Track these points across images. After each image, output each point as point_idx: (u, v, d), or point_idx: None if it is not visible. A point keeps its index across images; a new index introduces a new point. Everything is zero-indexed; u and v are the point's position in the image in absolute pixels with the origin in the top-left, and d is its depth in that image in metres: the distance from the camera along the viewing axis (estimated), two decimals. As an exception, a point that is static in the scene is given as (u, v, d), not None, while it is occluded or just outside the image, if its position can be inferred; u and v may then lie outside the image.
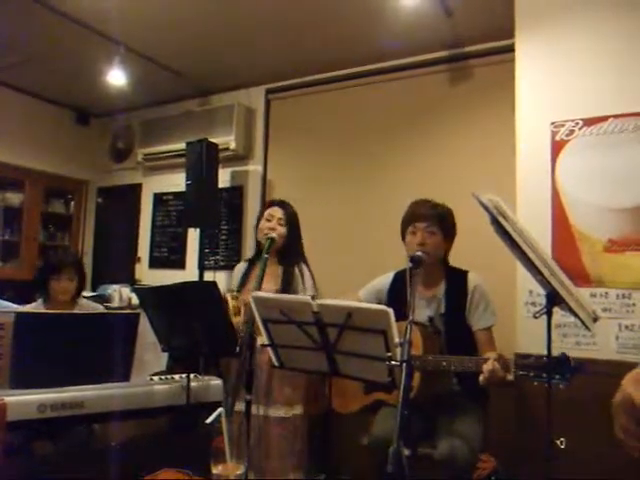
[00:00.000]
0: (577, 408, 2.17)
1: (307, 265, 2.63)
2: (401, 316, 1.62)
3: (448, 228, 2.29)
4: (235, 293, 2.45)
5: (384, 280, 2.44)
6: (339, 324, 1.64)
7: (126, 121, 5.14)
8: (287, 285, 2.51)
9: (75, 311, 2.76)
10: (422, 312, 2.24)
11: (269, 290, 2.44)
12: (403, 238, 2.34)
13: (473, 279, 2.25)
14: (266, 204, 2.76)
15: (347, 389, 2.26)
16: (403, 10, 3.01)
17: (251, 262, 2.70)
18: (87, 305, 2.94)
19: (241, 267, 2.75)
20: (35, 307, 2.75)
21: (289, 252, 2.59)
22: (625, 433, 0.97)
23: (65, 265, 2.74)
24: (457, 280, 2.27)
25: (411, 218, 2.29)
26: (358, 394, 2.26)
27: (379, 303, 2.28)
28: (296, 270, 2.57)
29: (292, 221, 2.61)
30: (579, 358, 1.79)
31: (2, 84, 4.53)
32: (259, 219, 2.65)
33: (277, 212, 2.59)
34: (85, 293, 4.46)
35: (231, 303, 2.34)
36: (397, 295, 2.31)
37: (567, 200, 2.53)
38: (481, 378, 1.87)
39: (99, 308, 3.04)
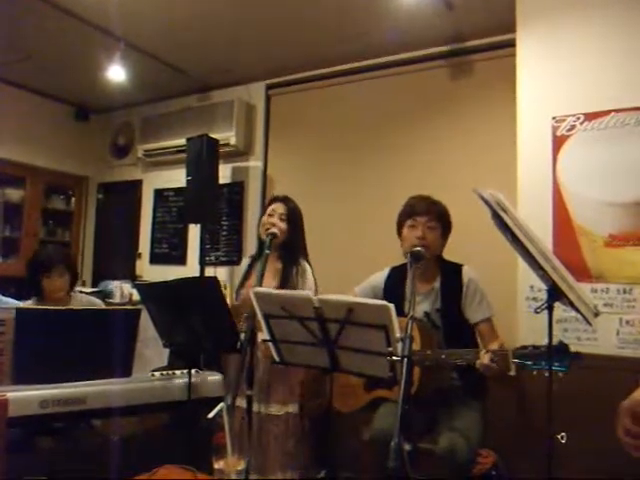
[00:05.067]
0: (578, 402, 2.18)
1: (309, 263, 2.60)
2: (398, 312, 1.61)
3: (446, 225, 2.31)
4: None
5: (379, 276, 2.44)
6: (340, 319, 1.64)
7: (126, 117, 5.13)
8: (286, 282, 2.48)
9: (72, 306, 2.74)
10: (418, 307, 2.24)
11: (269, 286, 2.43)
12: (399, 231, 2.33)
13: (467, 273, 2.25)
14: (269, 200, 2.75)
15: (348, 387, 2.25)
16: (404, 5, 3.00)
17: (254, 258, 2.69)
18: (83, 299, 2.92)
19: (245, 263, 2.74)
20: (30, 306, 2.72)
21: (290, 248, 2.56)
22: (627, 434, 0.98)
23: (55, 263, 2.71)
24: (452, 274, 2.27)
25: (411, 212, 2.29)
26: (359, 392, 2.26)
27: (375, 299, 2.28)
28: (296, 267, 2.54)
29: (294, 217, 2.58)
30: (580, 353, 1.79)
31: (2, 80, 4.52)
32: (262, 215, 2.65)
33: (279, 208, 2.57)
34: (86, 289, 4.49)
35: None
36: (393, 291, 2.31)
37: (568, 195, 2.53)
38: (477, 365, 1.88)
39: (97, 302, 3.01)
